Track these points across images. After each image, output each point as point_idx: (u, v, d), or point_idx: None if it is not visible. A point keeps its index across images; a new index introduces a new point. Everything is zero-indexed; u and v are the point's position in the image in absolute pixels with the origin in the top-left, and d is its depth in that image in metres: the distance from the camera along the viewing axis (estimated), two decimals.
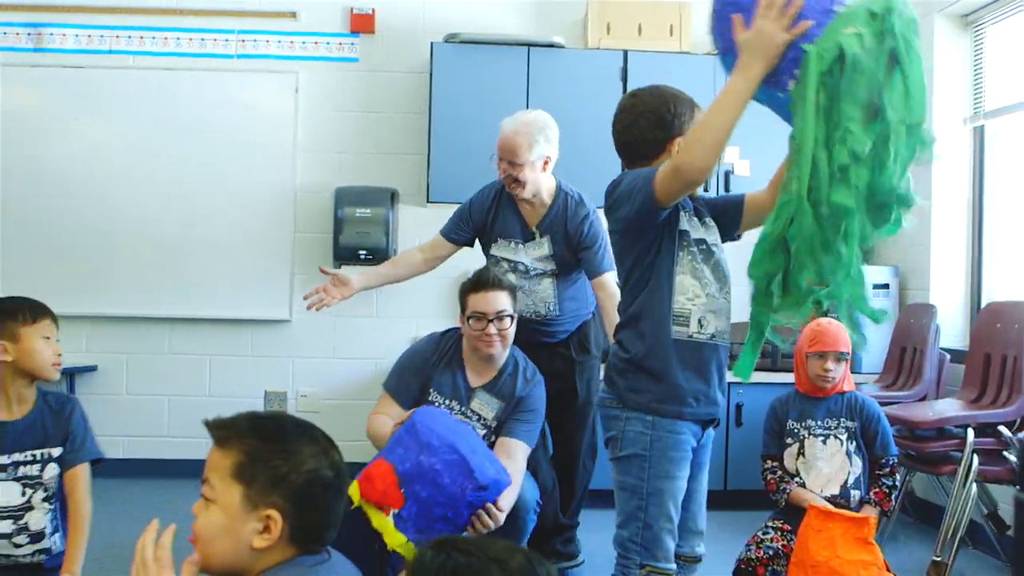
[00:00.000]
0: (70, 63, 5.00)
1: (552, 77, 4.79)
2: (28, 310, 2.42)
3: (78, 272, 4.95)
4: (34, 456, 2.36)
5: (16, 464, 2.34)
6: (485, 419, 3.02)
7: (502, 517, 2.60)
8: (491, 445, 2.94)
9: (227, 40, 5.02)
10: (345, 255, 4.78)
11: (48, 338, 2.42)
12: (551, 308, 3.44)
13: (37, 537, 2.37)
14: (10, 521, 2.34)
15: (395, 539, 2.43)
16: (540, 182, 3.38)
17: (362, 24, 5.00)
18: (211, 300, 4.96)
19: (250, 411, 1.54)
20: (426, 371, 3.05)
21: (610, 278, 3.36)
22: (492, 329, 2.96)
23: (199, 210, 4.98)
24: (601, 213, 2.54)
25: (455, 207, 4.81)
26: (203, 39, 5.01)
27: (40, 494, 2.36)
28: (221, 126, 4.98)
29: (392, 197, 4.86)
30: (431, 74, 4.77)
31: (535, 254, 3.44)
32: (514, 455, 2.93)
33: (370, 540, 2.48)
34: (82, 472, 2.41)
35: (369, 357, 4.92)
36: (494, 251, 3.51)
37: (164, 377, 5.00)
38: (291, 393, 5.01)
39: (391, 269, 3.66)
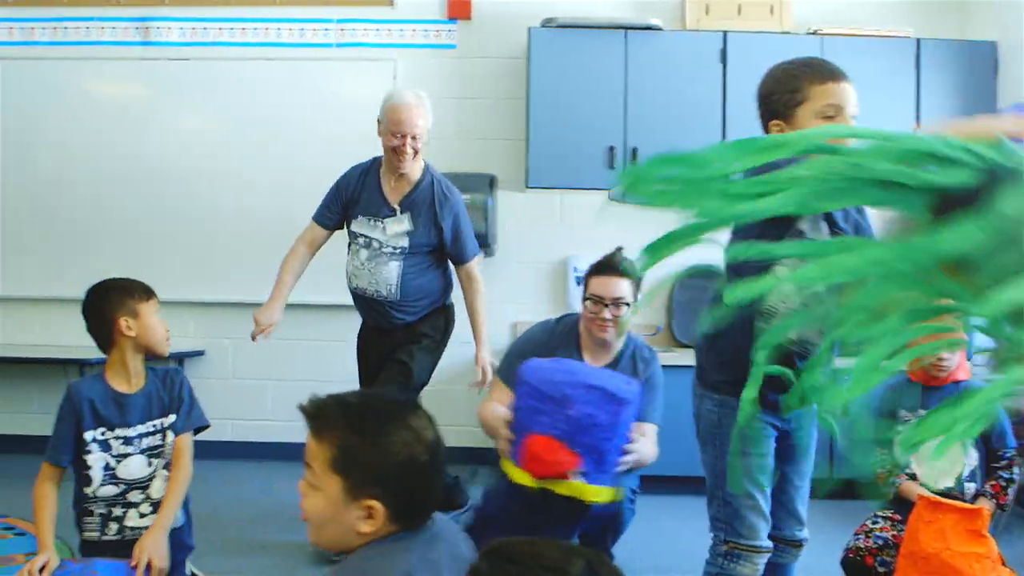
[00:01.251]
0: (175, 55, 5.31)
1: (650, 60, 4.91)
2: (141, 288, 2.70)
3: (185, 259, 5.27)
4: (155, 427, 2.64)
5: (141, 436, 2.62)
6: None
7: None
8: None
9: (326, 29, 5.26)
10: None
11: (158, 316, 2.67)
12: (392, 290, 3.64)
13: (157, 505, 2.63)
14: (139, 491, 2.62)
15: (599, 494, 2.58)
16: (419, 158, 3.66)
17: (459, 10, 5.20)
18: (312, 286, 5.21)
19: (342, 395, 1.58)
20: (540, 357, 3.18)
21: (474, 265, 3.73)
22: (607, 314, 3.15)
23: (299, 198, 5.21)
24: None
25: (554, 192, 5.03)
26: (302, 29, 5.26)
27: (161, 463, 2.63)
28: (321, 114, 5.23)
29: (491, 183, 5.06)
30: (528, 59, 4.94)
31: (394, 229, 3.63)
32: (647, 436, 3.11)
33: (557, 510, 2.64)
34: (188, 439, 2.69)
35: (468, 342, 5.09)
36: (354, 227, 3.72)
37: (267, 361, 5.29)
38: None
39: (292, 277, 3.81)
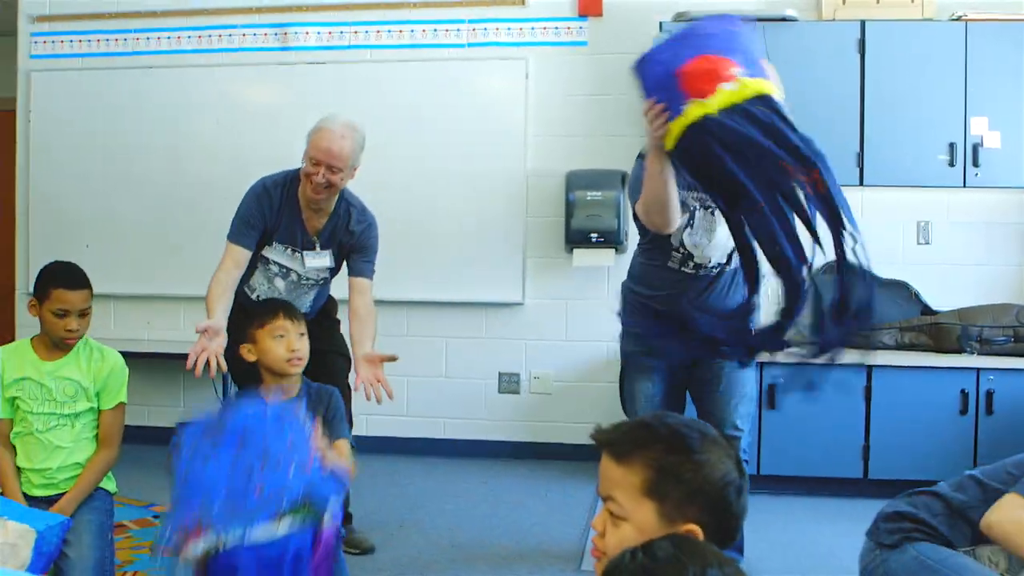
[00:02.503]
0: (312, 59, 5.73)
1: (785, 51, 5.07)
2: (261, 314, 2.98)
3: None
4: None
5: None
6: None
7: None
8: None
9: (458, 30, 5.60)
10: (577, 238, 5.28)
11: (282, 336, 2.92)
12: (308, 310, 3.69)
13: None
14: None
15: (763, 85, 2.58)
16: (339, 192, 3.66)
17: (590, 7, 5.48)
18: (447, 284, 5.58)
19: (638, 419, 1.59)
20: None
21: (370, 285, 3.68)
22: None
23: (434, 197, 5.60)
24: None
25: None
26: (435, 30, 5.62)
27: None
28: (453, 114, 5.59)
29: (623, 180, 5.32)
30: None
31: (315, 264, 3.67)
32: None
33: None
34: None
35: (601, 339, 5.39)
36: (267, 253, 3.67)
37: (403, 358, 5.59)
38: (524, 375, 5.56)
39: (228, 300, 3.51)
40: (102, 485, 3.22)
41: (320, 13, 5.76)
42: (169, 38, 5.92)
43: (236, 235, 3.62)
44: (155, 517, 4.30)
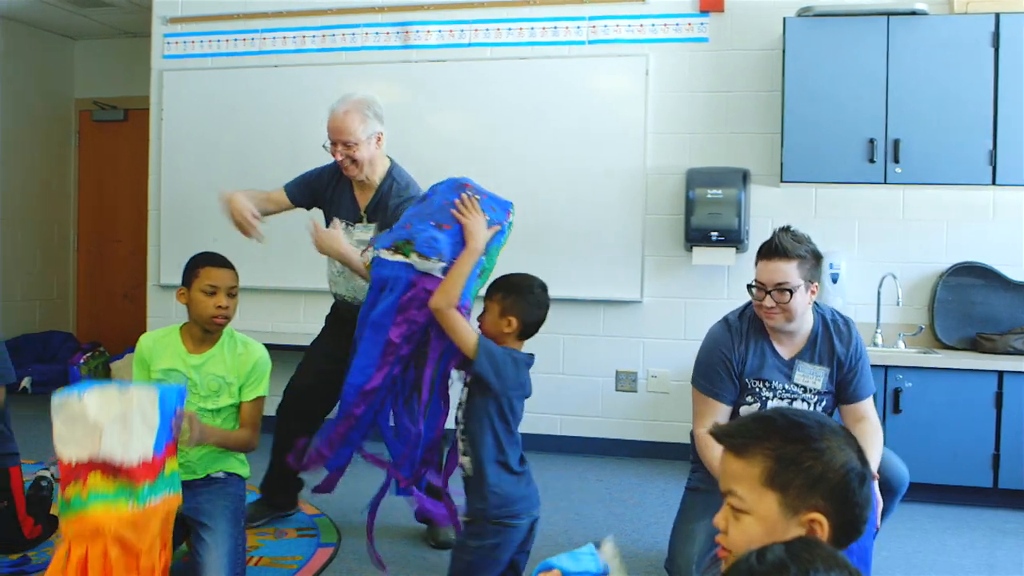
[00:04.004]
0: (433, 58, 5.90)
1: (914, 47, 5.05)
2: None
3: None
4: None
5: None
6: (814, 389, 3.28)
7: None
8: (829, 414, 3.26)
9: (578, 27, 5.71)
10: (696, 237, 5.34)
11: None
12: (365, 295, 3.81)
13: None
14: None
15: None
16: (375, 161, 3.85)
17: (712, 3, 5.53)
18: (565, 281, 5.69)
19: (756, 413, 1.63)
20: (735, 363, 3.29)
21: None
22: (769, 301, 3.16)
23: (552, 194, 5.72)
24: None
25: (810, 187, 5.27)
26: (555, 27, 5.73)
27: None
28: (572, 111, 5.70)
29: (744, 177, 5.36)
30: (784, 50, 5.21)
31: (361, 236, 3.82)
32: (868, 415, 3.23)
33: None
34: None
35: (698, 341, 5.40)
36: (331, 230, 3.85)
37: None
38: (641, 373, 5.65)
39: (265, 205, 4.01)
40: (236, 471, 3.44)
41: (441, 12, 5.94)
42: (294, 38, 6.18)
43: (289, 183, 4.07)
44: None
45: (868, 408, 3.28)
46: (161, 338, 3.41)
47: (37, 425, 6.21)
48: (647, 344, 5.69)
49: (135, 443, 2.64)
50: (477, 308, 3.07)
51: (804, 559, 1.26)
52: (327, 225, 3.90)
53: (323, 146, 3.85)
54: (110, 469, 2.64)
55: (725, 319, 3.40)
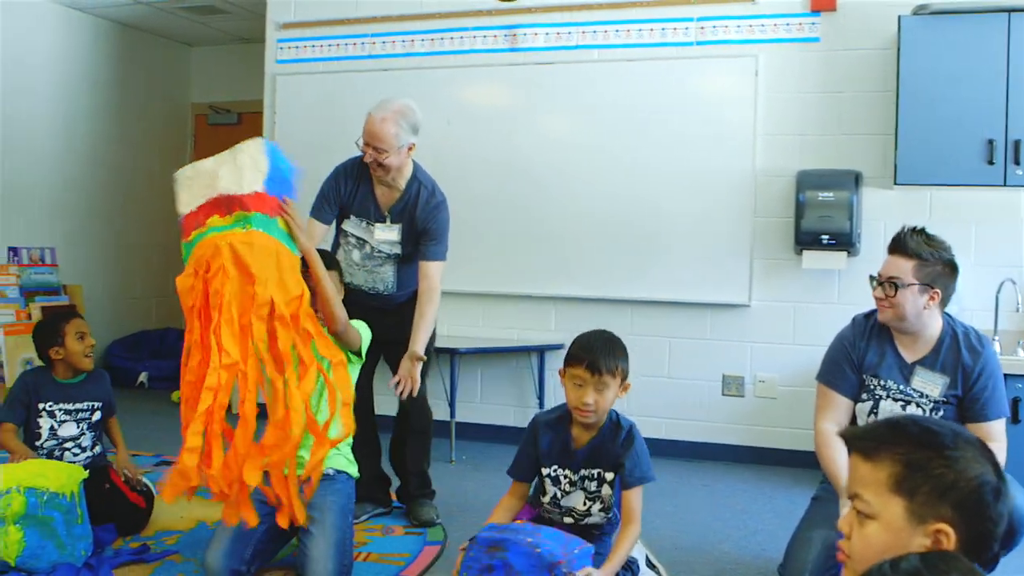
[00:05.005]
0: (541, 60, 5.96)
1: None
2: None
3: (547, 256, 5.92)
4: (593, 475, 3.14)
5: (583, 479, 3.15)
6: (931, 396, 3.20)
7: None
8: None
9: (686, 28, 5.69)
10: (806, 240, 5.27)
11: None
12: (389, 286, 4.10)
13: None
14: (571, 519, 3.18)
15: None
16: (404, 168, 4.01)
17: (823, 2, 5.46)
18: (671, 284, 5.69)
19: (888, 418, 1.60)
20: (855, 355, 3.29)
21: (436, 269, 4.00)
22: (879, 292, 3.16)
23: (659, 196, 5.72)
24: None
25: (925, 189, 5.15)
26: (663, 28, 5.73)
27: (597, 505, 3.17)
28: (679, 113, 5.68)
29: (856, 180, 5.27)
30: (899, 49, 5.12)
31: (384, 237, 4.02)
32: (995, 438, 3.11)
33: None
34: (631, 494, 3.09)
35: (813, 344, 5.32)
36: (345, 226, 4.10)
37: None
38: (748, 378, 5.61)
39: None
40: (345, 469, 3.53)
41: (549, 14, 5.98)
42: (403, 41, 6.30)
43: (315, 210, 4.11)
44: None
45: (996, 431, 3.15)
46: None
47: (154, 419, 6.47)
48: (755, 348, 5.64)
49: (247, 178, 2.89)
50: None
51: (940, 570, 1.24)
52: (342, 222, 4.15)
53: (355, 143, 4.02)
54: (225, 205, 2.89)
55: (853, 318, 3.41)
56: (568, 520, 3.17)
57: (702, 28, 5.71)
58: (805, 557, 3.10)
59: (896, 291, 3.10)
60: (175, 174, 2.99)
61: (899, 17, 5.12)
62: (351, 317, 3.52)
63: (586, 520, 3.17)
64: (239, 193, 2.88)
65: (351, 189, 4.11)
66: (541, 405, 5.92)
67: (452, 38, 6.20)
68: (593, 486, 3.13)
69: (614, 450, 3.07)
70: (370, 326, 3.60)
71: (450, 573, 3.43)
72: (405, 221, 4.04)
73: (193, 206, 2.93)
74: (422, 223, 4.02)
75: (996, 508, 1.45)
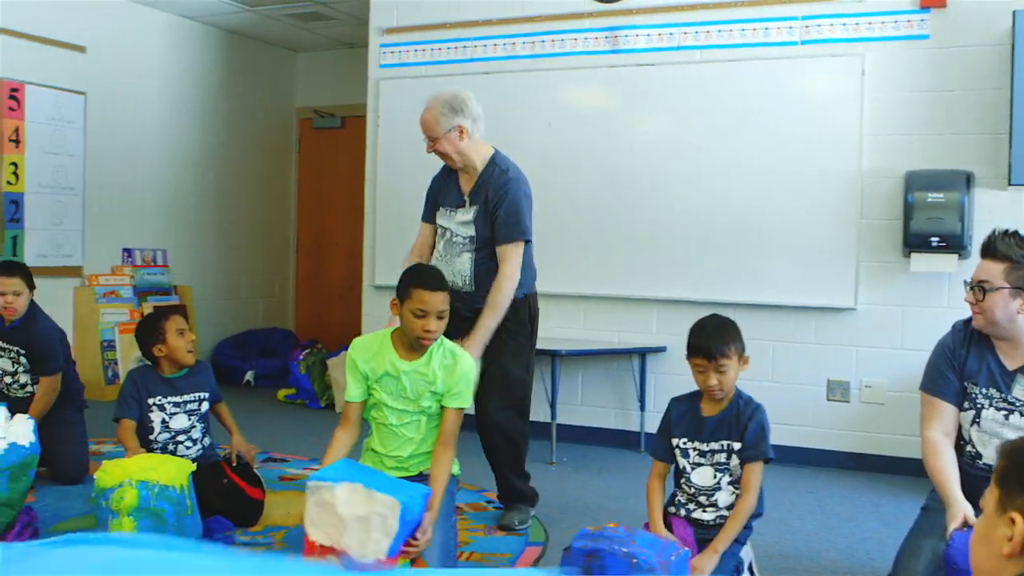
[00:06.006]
0: (642, 62, 5.95)
1: None
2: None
3: (649, 258, 5.90)
4: (721, 446, 3.17)
5: (712, 452, 3.18)
6: None
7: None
8: None
9: (790, 27, 5.62)
10: (916, 242, 5.17)
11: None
12: (467, 282, 4.07)
13: (718, 510, 3.19)
14: (705, 497, 3.21)
15: None
16: (467, 151, 4.07)
17: None
18: (774, 286, 5.62)
19: None
20: (956, 362, 3.20)
21: (509, 252, 3.99)
22: (970, 296, 3.08)
23: (762, 198, 5.66)
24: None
25: None
26: (767, 28, 5.66)
27: (727, 478, 3.18)
28: (783, 114, 5.62)
29: (967, 180, 5.16)
30: (1013, 45, 4.99)
31: (461, 218, 4.10)
32: None
33: None
34: (750, 469, 3.15)
35: (922, 349, 5.19)
36: (438, 219, 4.21)
37: None
38: (854, 383, 5.52)
39: (424, 248, 4.28)
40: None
41: (650, 15, 5.96)
42: (504, 45, 6.35)
43: (424, 214, 4.33)
44: (488, 502, 4.66)
45: None
46: (372, 342, 3.49)
47: (260, 416, 6.65)
48: (861, 353, 5.53)
49: (371, 545, 2.92)
50: None
51: None
52: (438, 217, 4.25)
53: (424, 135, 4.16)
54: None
55: (953, 324, 3.33)
56: (702, 516, 3.20)
57: (807, 27, 5.63)
58: (915, 568, 3.04)
59: (984, 295, 3.02)
60: (308, 482, 3.00)
61: (1014, 12, 4.98)
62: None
63: (715, 496, 3.18)
64: (361, 561, 2.91)
65: (442, 184, 4.26)
66: (642, 408, 5.90)
67: (553, 41, 6.22)
68: (722, 458, 3.19)
69: (742, 422, 3.18)
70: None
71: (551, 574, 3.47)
72: (480, 202, 4.09)
73: (316, 538, 2.99)
74: (494, 201, 4.05)
75: None
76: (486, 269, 4.05)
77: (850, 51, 5.53)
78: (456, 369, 3.41)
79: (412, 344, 3.38)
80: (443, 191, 4.23)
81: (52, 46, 7.12)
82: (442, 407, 3.42)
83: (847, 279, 5.50)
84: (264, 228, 8.98)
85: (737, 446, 3.17)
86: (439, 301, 3.30)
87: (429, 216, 4.30)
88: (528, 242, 4.12)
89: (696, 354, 3.19)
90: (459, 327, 3.91)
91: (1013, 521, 1.44)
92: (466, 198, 4.14)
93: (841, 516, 4.63)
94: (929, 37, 5.41)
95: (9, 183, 6.86)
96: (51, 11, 7.11)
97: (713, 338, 3.18)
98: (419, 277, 3.40)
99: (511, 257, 4.01)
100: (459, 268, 4.08)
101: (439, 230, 4.21)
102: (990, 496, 1.52)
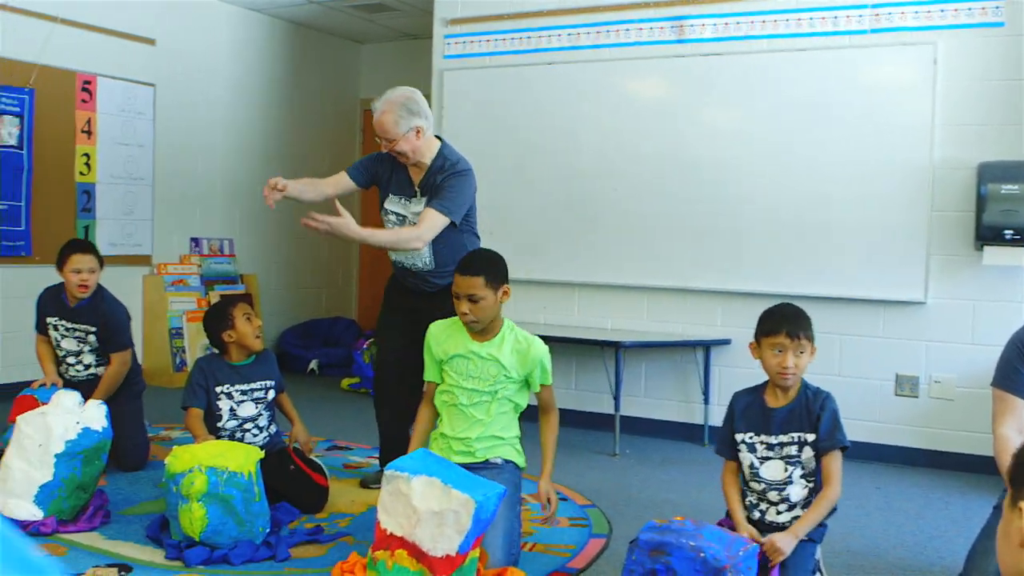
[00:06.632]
0: (707, 51, 5.90)
1: None
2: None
3: (713, 250, 5.86)
4: (792, 439, 3.12)
5: (782, 445, 3.14)
6: None
7: None
8: None
9: (860, 16, 5.53)
10: (988, 235, 5.08)
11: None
12: (427, 262, 4.25)
13: (791, 506, 3.13)
14: (775, 493, 3.14)
15: None
16: (422, 148, 4.19)
17: None
18: (841, 279, 5.55)
19: None
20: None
21: (433, 215, 4.08)
22: None
23: (829, 190, 5.58)
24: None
25: None
26: (835, 16, 5.58)
27: (798, 471, 3.13)
28: (851, 104, 5.54)
29: None
30: None
31: (415, 208, 4.23)
32: None
33: None
34: (829, 459, 3.10)
35: (991, 344, 5.09)
36: (387, 204, 4.34)
37: None
38: (923, 378, 5.43)
39: (305, 188, 4.41)
40: (512, 459, 3.61)
41: (716, 4, 5.90)
42: (569, 35, 6.33)
43: (349, 168, 4.48)
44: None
45: None
46: (448, 326, 3.68)
47: (324, 404, 6.72)
48: (930, 348, 5.44)
49: (443, 541, 2.95)
50: None
51: None
52: (383, 201, 4.40)
53: (375, 139, 4.24)
54: (416, 552, 2.98)
55: None
56: (776, 519, 3.14)
57: (877, 15, 5.54)
58: (987, 567, 2.99)
59: None
60: (385, 471, 3.09)
61: None
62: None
63: (786, 491, 3.13)
64: (432, 553, 2.95)
65: (388, 171, 4.35)
66: (706, 401, 5.86)
67: (618, 31, 6.19)
68: (793, 451, 3.13)
69: (813, 412, 3.12)
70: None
71: (615, 567, 3.47)
72: (431, 192, 4.21)
73: (388, 527, 3.04)
74: (439, 185, 4.18)
75: None
76: (443, 247, 4.23)
77: (922, 39, 5.42)
78: (530, 354, 3.56)
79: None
80: (394, 179, 4.35)
81: (123, 39, 7.26)
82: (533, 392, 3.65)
83: (917, 272, 5.40)
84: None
85: (810, 437, 3.11)
86: (467, 284, 3.47)
87: (354, 176, 4.45)
88: (453, 225, 4.20)
89: (775, 332, 3.15)
90: (430, 303, 4.18)
91: (1022, 511, 1.49)
92: (416, 188, 4.28)
93: (909, 513, 4.56)
94: (1004, 24, 5.28)
95: (82, 173, 7.01)
96: (122, 5, 7.24)
97: (795, 318, 3.19)
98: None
99: (431, 221, 4.11)
100: (420, 251, 4.25)
101: (390, 216, 4.37)
102: (1007, 495, 1.56)
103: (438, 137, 4.36)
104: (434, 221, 4.10)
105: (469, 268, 3.50)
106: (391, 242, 4.18)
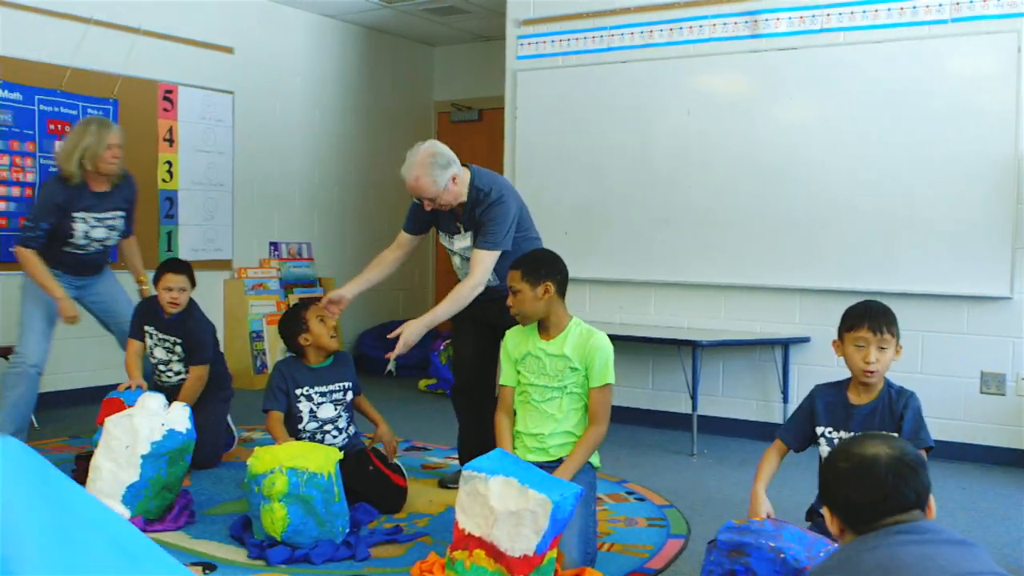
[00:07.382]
0: (783, 46, 5.84)
1: None
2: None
3: (791, 246, 5.80)
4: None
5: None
6: None
7: None
8: None
9: (940, 5, 5.43)
10: None
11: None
12: (491, 279, 4.26)
13: None
14: None
15: None
16: (460, 192, 4.25)
17: None
18: (923, 275, 5.45)
19: None
20: None
21: (482, 256, 4.18)
22: None
23: (908, 183, 5.49)
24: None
25: None
26: (915, 7, 5.49)
27: None
28: (932, 95, 5.45)
29: None
30: None
31: (461, 244, 4.36)
32: None
33: None
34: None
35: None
36: (443, 241, 4.54)
37: None
38: (1010, 375, 5.31)
39: (372, 273, 4.63)
40: (588, 460, 3.63)
41: None
42: (642, 33, 6.31)
43: (404, 223, 4.63)
44: (628, 493, 4.66)
45: None
46: (521, 329, 3.78)
47: (403, 406, 6.80)
48: (1017, 344, 5.30)
49: (521, 541, 3.00)
50: None
51: None
52: (440, 239, 4.62)
53: (413, 199, 4.41)
54: (494, 552, 3.03)
55: None
56: None
57: (957, 4, 5.42)
58: None
59: None
60: (463, 471, 3.16)
61: None
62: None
63: None
64: (510, 554, 3.00)
65: (430, 213, 4.42)
66: (785, 400, 5.81)
67: (691, 27, 6.16)
68: None
69: (896, 411, 3.11)
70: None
71: (693, 567, 3.47)
72: (473, 227, 4.31)
73: (466, 527, 3.10)
74: (480, 221, 4.26)
75: None
76: (502, 265, 4.22)
77: (1005, 27, 5.29)
78: (589, 342, 3.62)
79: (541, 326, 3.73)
80: (439, 218, 4.45)
81: (202, 48, 7.42)
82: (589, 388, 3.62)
83: (1002, 267, 5.28)
84: (403, 220, 9.15)
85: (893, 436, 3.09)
86: (509, 277, 3.68)
87: (413, 228, 4.59)
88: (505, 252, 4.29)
89: (859, 327, 3.14)
90: (500, 307, 4.08)
91: None
92: (459, 225, 4.37)
93: (995, 514, 4.47)
94: None
95: (164, 180, 7.19)
96: (201, 14, 7.41)
97: (880, 314, 3.17)
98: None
99: (482, 261, 4.21)
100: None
101: (447, 250, 4.56)
102: None
103: (465, 165, 4.38)
104: (485, 262, 4.21)
105: (512, 263, 3.72)
106: (457, 306, 4.22)
